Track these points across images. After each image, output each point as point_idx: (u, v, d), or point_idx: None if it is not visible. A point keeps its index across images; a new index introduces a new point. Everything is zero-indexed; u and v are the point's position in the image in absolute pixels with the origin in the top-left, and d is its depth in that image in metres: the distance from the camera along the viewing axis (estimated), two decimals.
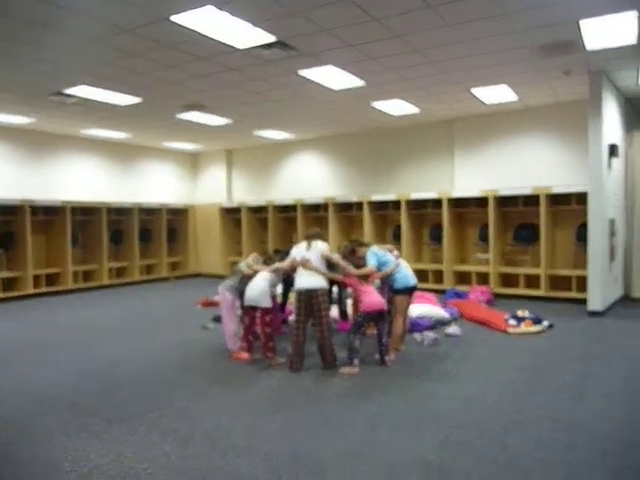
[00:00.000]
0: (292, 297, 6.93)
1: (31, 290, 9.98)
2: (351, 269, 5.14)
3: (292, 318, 5.46)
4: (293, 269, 5.25)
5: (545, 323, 6.67)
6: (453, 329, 6.49)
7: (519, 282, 9.09)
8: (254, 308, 5.25)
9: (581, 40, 5.86)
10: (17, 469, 3.11)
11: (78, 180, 11.62)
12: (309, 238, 5.26)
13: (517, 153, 9.57)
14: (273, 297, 5.56)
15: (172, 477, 2.98)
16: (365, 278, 5.14)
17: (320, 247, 5.18)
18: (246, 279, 5.47)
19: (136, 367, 5.28)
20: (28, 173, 10.70)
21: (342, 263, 5.18)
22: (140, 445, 3.42)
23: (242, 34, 5.57)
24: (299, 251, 5.20)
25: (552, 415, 3.83)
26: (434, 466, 3.07)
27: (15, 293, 9.84)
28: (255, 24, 5.34)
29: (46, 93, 7.78)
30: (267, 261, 5.74)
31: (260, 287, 5.23)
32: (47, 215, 10.57)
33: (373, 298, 5.04)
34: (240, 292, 5.49)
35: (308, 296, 4.97)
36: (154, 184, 13.40)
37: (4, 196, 9.85)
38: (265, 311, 5.20)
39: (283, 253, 5.91)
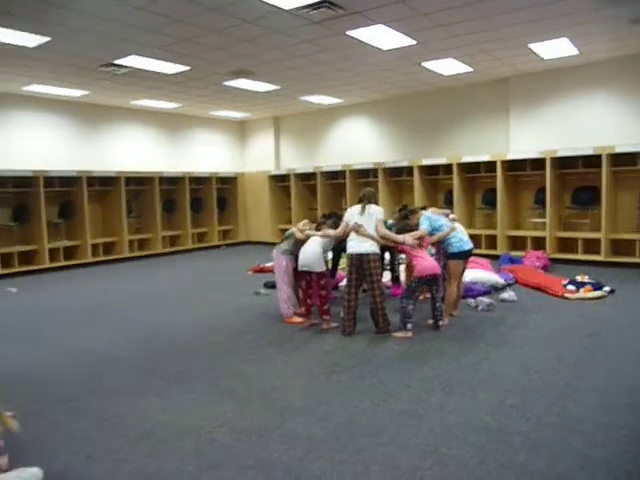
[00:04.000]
0: (343, 263, 6.96)
1: (90, 258, 10.38)
2: (399, 237, 5.05)
3: (344, 283, 5.45)
4: (345, 235, 5.20)
5: (606, 289, 6.41)
6: (508, 294, 6.33)
7: (577, 247, 8.75)
8: (309, 273, 5.26)
9: None
10: (86, 424, 3.27)
11: (130, 151, 11.89)
12: (363, 200, 5.14)
13: (577, 112, 9.09)
14: (325, 262, 5.52)
15: (231, 435, 3.06)
16: (419, 243, 5.05)
17: (374, 212, 5.06)
18: (299, 243, 5.47)
19: (192, 331, 5.42)
20: (83, 145, 11.03)
21: (390, 234, 5.09)
22: (199, 404, 3.52)
23: None
24: (353, 215, 5.12)
25: (615, 381, 3.70)
26: (491, 428, 3.02)
27: (75, 261, 10.26)
28: None
29: (97, 64, 7.91)
30: (318, 227, 5.71)
31: (313, 252, 5.22)
32: (103, 186, 10.88)
33: (426, 262, 4.95)
34: (295, 256, 5.50)
35: (360, 261, 4.92)
36: (203, 153, 13.56)
37: (62, 167, 10.19)
38: (319, 275, 5.20)
39: (333, 216, 5.81)
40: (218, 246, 13.11)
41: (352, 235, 5.03)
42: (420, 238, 5.09)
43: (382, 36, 6.97)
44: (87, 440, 3.05)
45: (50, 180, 9.91)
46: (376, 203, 5.21)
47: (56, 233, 10.26)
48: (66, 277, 9.27)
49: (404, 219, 5.50)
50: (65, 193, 10.37)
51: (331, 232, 5.35)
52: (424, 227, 5.19)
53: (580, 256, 8.64)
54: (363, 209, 5.07)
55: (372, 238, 4.96)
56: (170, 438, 3.04)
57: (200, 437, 3.04)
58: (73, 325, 5.83)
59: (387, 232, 5.08)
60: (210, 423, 3.22)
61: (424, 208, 5.76)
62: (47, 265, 9.68)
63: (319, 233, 5.42)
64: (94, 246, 10.59)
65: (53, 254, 9.94)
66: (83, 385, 3.96)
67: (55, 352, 4.82)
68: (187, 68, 8.35)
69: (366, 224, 4.99)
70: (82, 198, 10.24)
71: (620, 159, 8.34)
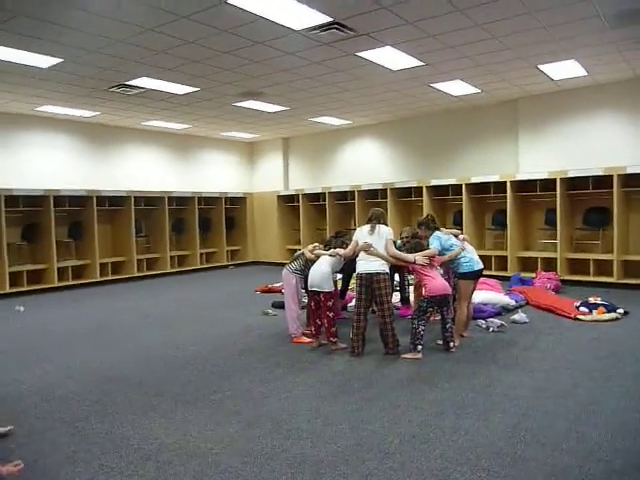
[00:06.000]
0: (353, 284, 6.90)
1: (98, 278, 10.38)
2: (409, 257, 4.99)
3: (353, 304, 5.38)
4: (354, 254, 5.15)
5: (620, 310, 6.29)
6: (519, 316, 6.23)
7: (589, 268, 8.64)
8: (317, 293, 5.21)
9: None
10: (89, 444, 3.20)
11: (141, 171, 11.98)
12: (372, 221, 5.11)
13: (587, 132, 9.05)
14: (334, 282, 5.46)
15: (237, 457, 2.98)
16: (429, 262, 5.00)
17: (384, 232, 5.03)
18: (309, 263, 5.43)
19: (199, 351, 5.36)
20: (93, 165, 11.12)
21: (401, 254, 5.03)
22: (205, 426, 3.45)
23: (298, 15, 5.50)
24: (362, 235, 5.08)
25: (633, 404, 3.59)
26: (506, 453, 2.92)
27: (83, 280, 10.26)
28: (310, 5, 5.24)
29: (108, 85, 8.00)
30: (327, 247, 5.66)
31: (322, 272, 5.18)
32: (112, 205, 10.93)
33: (437, 282, 4.89)
34: (304, 276, 5.46)
35: (369, 280, 4.87)
36: (213, 173, 13.63)
37: (73, 187, 10.26)
38: (327, 295, 5.14)
39: (342, 236, 5.79)
40: (226, 266, 13.09)
41: (361, 255, 4.99)
42: (430, 257, 5.03)
43: (392, 57, 7.00)
44: (90, 461, 2.98)
45: (60, 199, 9.97)
46: (385, 223, 5.18)
47: (65, 252, 10.29)
48: (74, 296, 9.26)
49: (414, 238, 5.45)
50: (75, 212, 10.41)
51: (340, 251, 5.31)
52: (434, 246, 5.13)
53: (592, 278, 8.53)
54: (372, 229, 5.04)
55: (382, 257, 4.91)
56: (174, 460, 2.97)
57: (205, 459, 2.97)
58: (79, 344, 5.79)
59: (397, 252, 5.03)
60: (215, 445, 3.15)
61: (432, 219, 5.61)
62: (56, 284, 9.69)
63: (328, 252, 5.38)
64: (103, 265, 10.60)
65: (62, 273, 9.96)
66: (88, 405, 3.90)
67: (59, 372, 4.76)
68: (197, 89, 8.43)
69: (376, 244, 4.95)
70: (92, 217, 10.29)
71: (631, 180, 8.27)
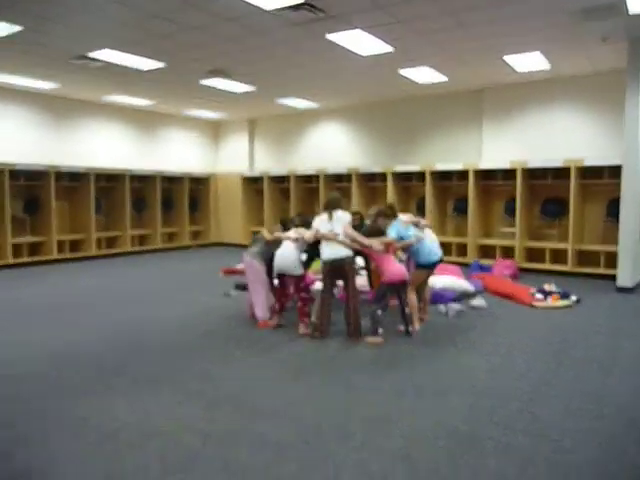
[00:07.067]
0: (314, 266, 6.91)
1: (55, 255, 10.09)
2: (366, 241, 5.01)
3: (317, 287, 5.41)
4: (313, 240, 5.20)
5: (573, 298, 6.53)
6: (478, 301, 6.39)
7: (545, 257, 8.91)
8: (284, 275, 5.26)
9: (624, 3, 5.57)
10: (45, 424, 3.15)
11: (101, 147, 11.63)
12: (329, 207, 5.18)
13: (548, 124, 9.27)
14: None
15: (198, 438, 2.98)
16: (385, 249, 5.06)
17: (342, 218, 5.12)
18: (270, 245, 5.42)
19: (160, 331, 5.31)
20: (52, 139, 10.73)
21: (358, 236, 5.03)
22: (166, 406, 3.43)
23: None
24: (322, 223, 5.14)
25: (581, 387, 3.76)
26: (462, 433, 3.02)
27: (39, 258, 9.97)
28: None
29: (68, 56, 7.71)
30: (288, 225, 5.62)
31: (292, 258, 5.19)
32: (71, 181, 10.63)
33: (395, 268, 4.97)
34: (265, 259, 5.44)
35: (336, 265, 4.96)
36: (176, 152, 13.37)
37: (29, 161, 9.91)
38: (299, 278, 5.21)
39: (301, 219, 5.73)
40: (188, 246, 12.93)
41: (325, 241, 5.04)
42: (387, 245, 5.08)
43: (361, 42, 6.97)
44: (45, 442, 2.93)
45: (16, 173, 9.62)
46: (341, 208, 5.24)
47: (21, 228, 9.96)
48: (30, 274, 9.00)
49: (378, 216, 5.43)
50: (31, 187, 10.08)
51: (304, 232, 5.29)
52: (392, 235, 5.15)
53: (547, 266, 8.80)
54: (330, 216, 5.12)
55: (345, 244, 4.99)
56: (135, 440, 2.95)
57: (166, 439, 2.96)
58: (37, 323, 5.64)
59: (354, 233, 5.06)
60: (177, 425, 3.14)
61: (390, 207, 5.61)
62: (10, 261, 9.38)
63: (293, 236, 5.32)
64: (60, 243, 10.31)
65: (17, 250, 9.65)
66: (45, 384, 3.82)
67: (17, 350, 4.64)
68: (163, 65, 8.21)
69: (336, 229, 5.04)
70: (49, 193, 9.96)
71: (588, 172, 8.54)
